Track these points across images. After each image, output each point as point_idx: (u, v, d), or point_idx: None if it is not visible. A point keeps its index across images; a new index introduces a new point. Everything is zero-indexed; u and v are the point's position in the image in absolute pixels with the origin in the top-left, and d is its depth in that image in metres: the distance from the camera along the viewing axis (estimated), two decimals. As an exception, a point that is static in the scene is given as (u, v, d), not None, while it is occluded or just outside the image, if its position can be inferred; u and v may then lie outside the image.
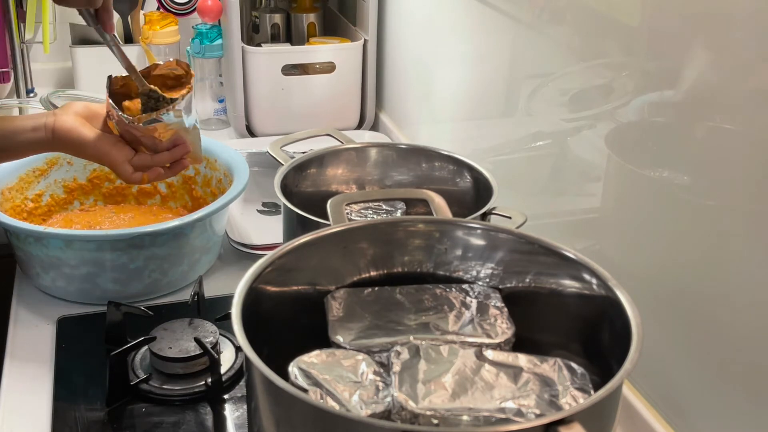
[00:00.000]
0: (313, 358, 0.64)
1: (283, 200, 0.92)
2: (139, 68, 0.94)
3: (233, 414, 0.87)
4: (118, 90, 0.94)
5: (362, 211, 0.98)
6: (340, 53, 1.55)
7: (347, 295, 0.74)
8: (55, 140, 0.93)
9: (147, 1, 1.70)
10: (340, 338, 0.69)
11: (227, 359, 0.92)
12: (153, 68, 0.95)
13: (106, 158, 0.94)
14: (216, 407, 0.88)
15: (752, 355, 0.69)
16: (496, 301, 0.73)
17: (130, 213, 1.22)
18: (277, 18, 1.64)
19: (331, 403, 0.60)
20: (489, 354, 0.65)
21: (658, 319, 0.79)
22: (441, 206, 0.81)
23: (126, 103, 0.92)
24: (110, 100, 0.91)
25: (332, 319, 0.71)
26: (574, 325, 0.71)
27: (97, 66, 1.34)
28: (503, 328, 0.70)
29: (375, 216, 0.97)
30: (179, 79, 0.96)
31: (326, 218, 0.78)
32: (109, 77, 0.94)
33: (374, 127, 1.62)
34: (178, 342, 0.90)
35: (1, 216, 1.01)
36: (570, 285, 0.71)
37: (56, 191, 1.20)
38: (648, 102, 0.81)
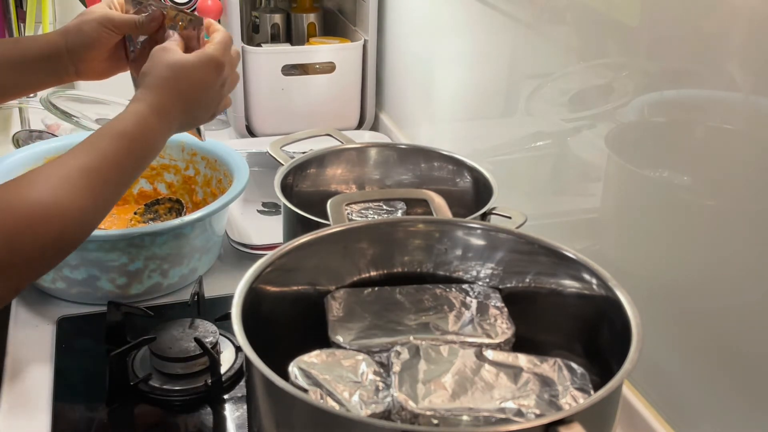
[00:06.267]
0: (313, 358, 0.64)
1: (283, 200, 0.92)
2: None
3: (233, 414, 0.87)
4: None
5: (362, 211, 0.98)
6: (340, 53, 1.54)
7: (347, 295, 0.74)
8: (67, 33, 0.89)
9: (147, 1, 1.70)
10: (340, 338, 0.69)
11: (227, 359, 0.92)
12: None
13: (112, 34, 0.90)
14: (216, 407, 0.87)
15: (752, 355, 0.69)
16: (496, 301, 0.73)
17: (131, 213, 1.21)
18: (277, 18, 1.64)
19: (331, 403, 0.60)
20: (489, 354, 0.65)
21: (658, 319, 0.79)
22: (441, 206, 0.81)
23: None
24: None
25: (332, 319, 0.71)
26: (574, 325, 0.71)
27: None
28: (503, 328, 0.70)
29: (375, 216, 0.97)
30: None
31: (326, 218, 0.78)
32: None
33: (374, 127, 1.62)
34: (178, 342, 0.90)
35: (1, 216, 1.01)
36: (570, 285, 0.71)
37: (56, 191, 1.19)
38: (648, 102, 0.81)
